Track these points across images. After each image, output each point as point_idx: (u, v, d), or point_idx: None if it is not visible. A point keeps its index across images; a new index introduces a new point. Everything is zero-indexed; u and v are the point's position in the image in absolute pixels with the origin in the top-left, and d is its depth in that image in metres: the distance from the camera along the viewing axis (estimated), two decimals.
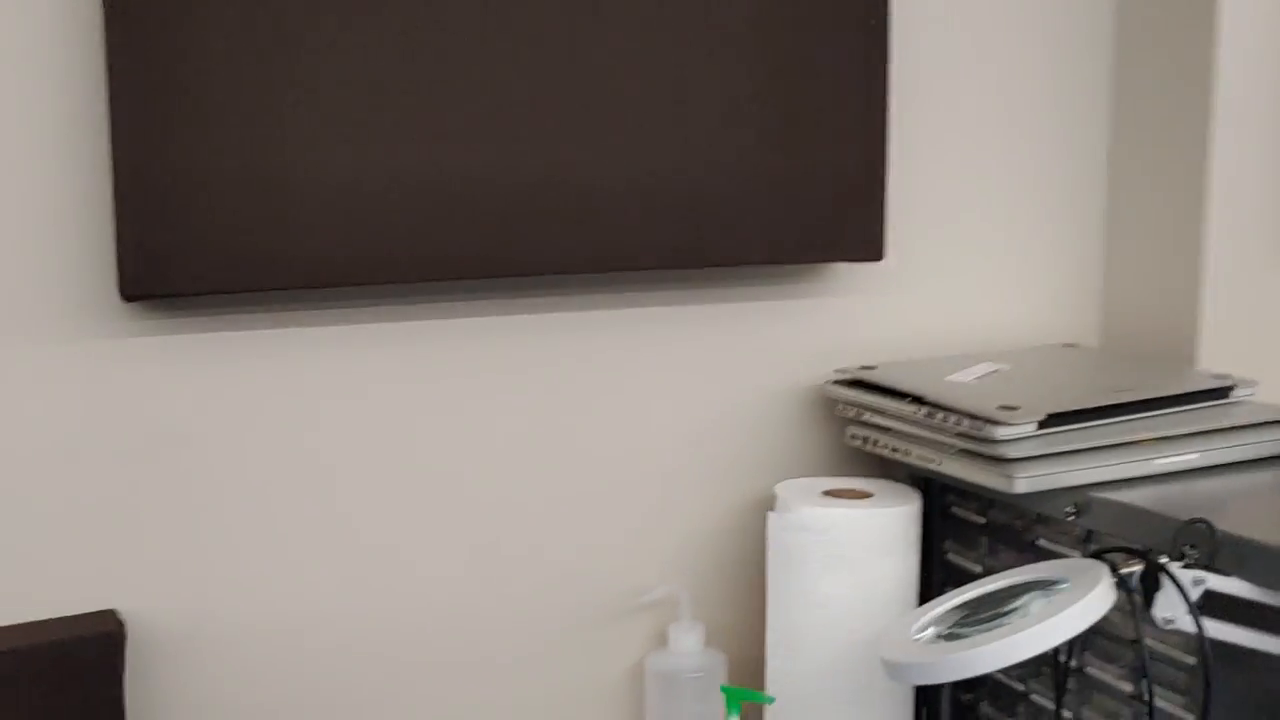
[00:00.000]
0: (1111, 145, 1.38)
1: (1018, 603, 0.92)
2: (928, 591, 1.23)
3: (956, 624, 0.95)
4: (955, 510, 1.23)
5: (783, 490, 1.16)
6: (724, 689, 1.05)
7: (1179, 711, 0.97)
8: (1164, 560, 0.88)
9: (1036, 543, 1.13)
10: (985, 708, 1.20)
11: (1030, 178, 1.35)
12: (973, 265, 1.33)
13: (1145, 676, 0.91)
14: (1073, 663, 1.10)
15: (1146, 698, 0.93)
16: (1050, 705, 1.10)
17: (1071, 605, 0.86)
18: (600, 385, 1.18)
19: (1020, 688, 1.16)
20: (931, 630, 0.95)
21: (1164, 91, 1.31)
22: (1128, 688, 1.04)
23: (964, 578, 1.22)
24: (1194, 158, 1.28)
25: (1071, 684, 1.09)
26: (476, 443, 1.14)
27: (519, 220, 1.07)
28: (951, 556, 1.24)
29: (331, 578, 1.11)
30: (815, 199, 1.15)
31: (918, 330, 1.30)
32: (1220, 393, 1.14)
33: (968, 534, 1.22)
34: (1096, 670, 1.06)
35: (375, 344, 1.09)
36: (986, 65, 1.31)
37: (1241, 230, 1.30)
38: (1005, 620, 0.90)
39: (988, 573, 1.20)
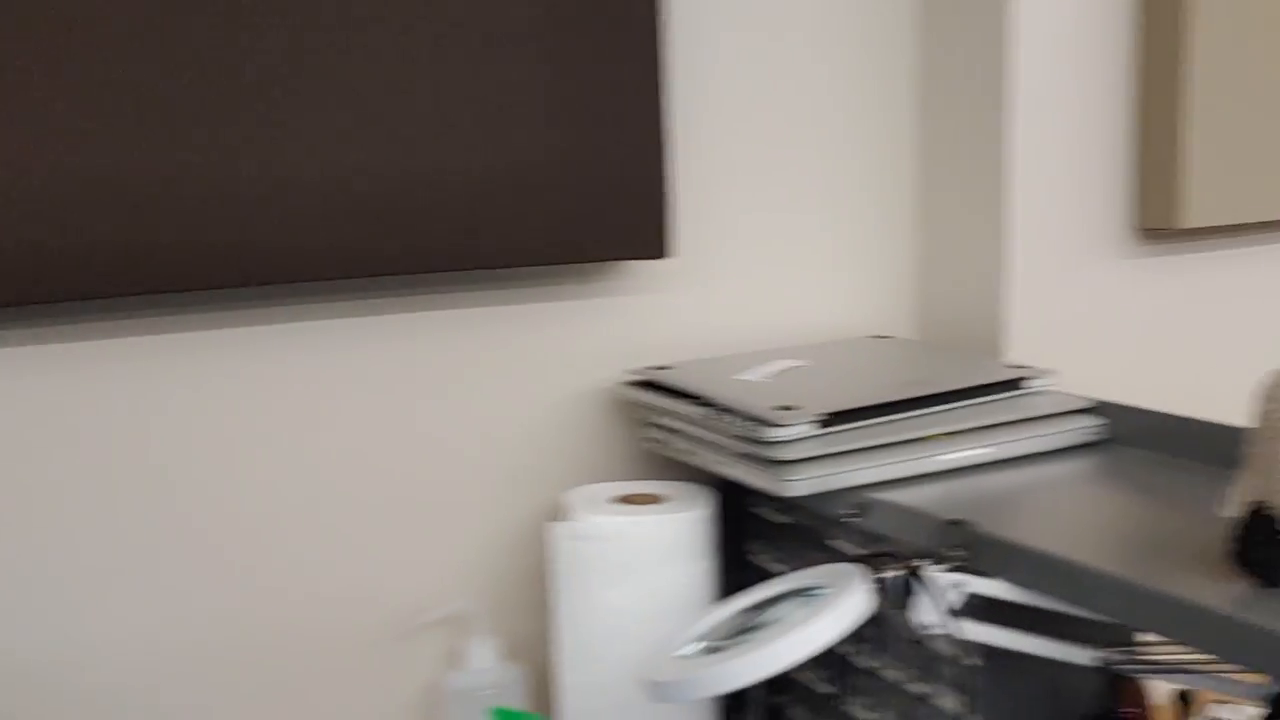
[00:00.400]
0: (919, 136, 1.36)
1: (779, 610, 0.88)
2: (732, 596, 1.19)
3: (729, 635, 0.91)
4: (757, 511, 1.20)
5: (572, 498, 1.12)
6: (493, 711, 1.00)
7: (966, 712, 0.95)
8: (921, 563, 0.85)
9: (831, 544, 1.10)
10: (796, 710, 1.17)
11: (837, 169, 1.32)
12: (779, 259, 1.29)
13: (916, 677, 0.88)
14: (871, 664, 1.07)
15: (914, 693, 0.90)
16: (857, 710, 1.07)
17: (822, 614, 0.82)
18: (383, 393, 1.12)
19: (828, 690, 1.12)
20: (701, 644, 0.91)
21: (966, 81, 1.29)
22: (919, 689, 1.01)
23: (766, 578, 1.19)
24: (996, 146, 1.26)
25: (871, 685, 1.06)
26: (246, 459, 1.08)
27: (288, 223, 1.00)
28: (755, 558, 1.21)
29: (88, 605, 1.04)
30: (596, 197, 1.10)
31: (722, 327, 1.26)
32: (1016, 384, 1.12)
33: (770, 535, 1.19)
34: (892, 672, 1.04)
35: (130, 358, 1.02)
36: (784, 56, 1.27)
37: (1045, 220, 1.28)
38: (766, 630, 0.86)
39: (788, 572, 1.16)
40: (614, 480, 1.22)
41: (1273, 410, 0.74)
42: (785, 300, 1.30)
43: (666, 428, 1.14)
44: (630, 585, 1.06)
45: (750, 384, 1.09)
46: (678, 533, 1.06)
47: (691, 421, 1.09)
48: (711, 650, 0.87)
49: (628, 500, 1.11)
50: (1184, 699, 0.98)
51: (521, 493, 1.19)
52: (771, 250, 1.29)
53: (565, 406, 1.19)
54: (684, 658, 0.88)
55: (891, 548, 1.01)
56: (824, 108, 1.30)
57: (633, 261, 1.19)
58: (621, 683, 1.07)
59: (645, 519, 1.06)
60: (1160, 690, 1.07)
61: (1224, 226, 1.41)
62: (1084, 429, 1.09)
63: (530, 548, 1.20)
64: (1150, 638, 0.89)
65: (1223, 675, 0.85)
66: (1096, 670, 0.88)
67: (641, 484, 1.16)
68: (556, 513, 1.20)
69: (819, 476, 0.97)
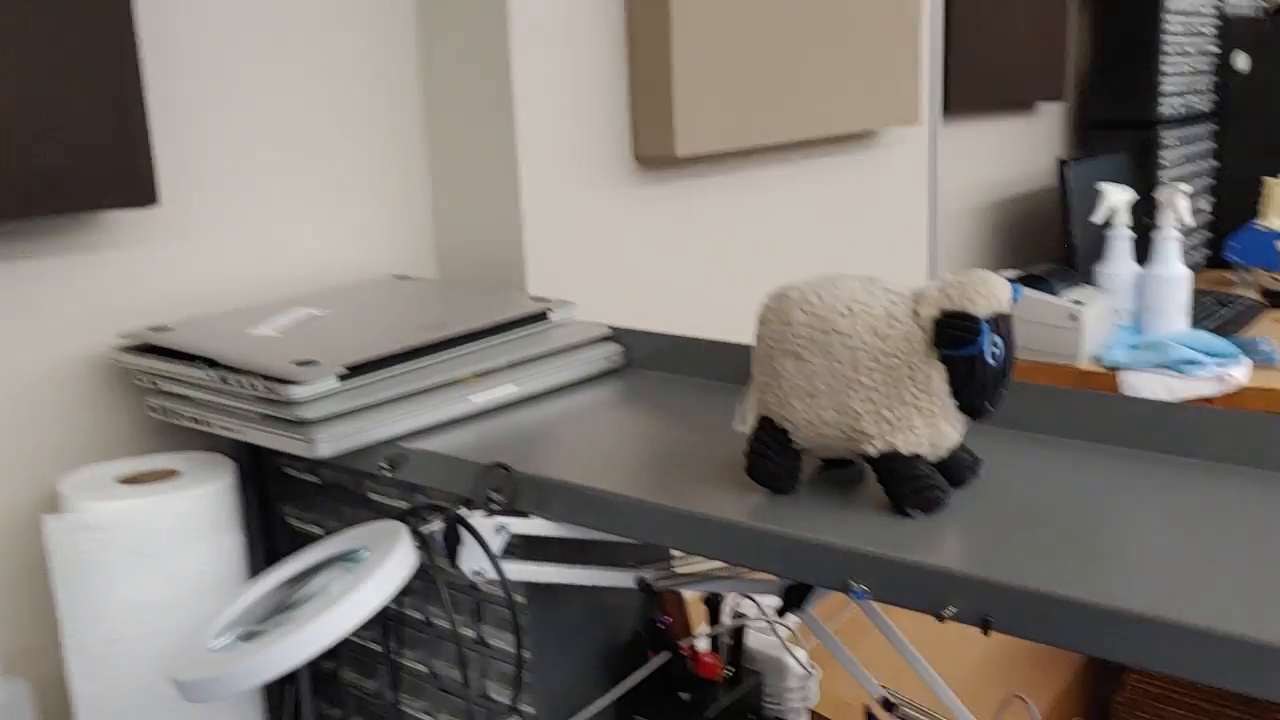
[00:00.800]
0: (424, 71, 1.31)
1: (320, 581, 0.83)
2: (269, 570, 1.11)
3: (267, 615, 0.84)
4: (289, 471, 1.12)
5: (66, 485, 0.98)
6: None
7: (517, 648, 0.95)
8: (463, 511, 0.83)
9: (374, 498, 1.05)
10: (347, 673, 1.12)
11: (339, 108, 1.25)
12: (283, 202, 1.21)
13: (455, 636, 0.86)
14: (417, 614, 1.04)
15: (392, 653, 0.88)
16: (415, 664, 1.04)
17: (365, 582, 0.78)
18: None
19: (378, 648, 1.08)
20: (236, 630, 0.83)
21: (466, 17, 1.26)
22: (471, 634, 1.00)
23: (308, 542, 1.12)
24: (499, 81, 1.25)
25: (423, 636, 1.03)
26: None
27: None
28: (292, 521, 1.14)
29: None
30: (69, 147, 0.96)
31: (226, 279, 1.16)
32: (541, 317, 1.13)
33: (305, 495, 1.12)
34: (442, 620, 1.02)
35: None
36: (288, 15, 1.17)
37: (551, 153, 1.30)
38: (306, 606, 0.80)
39: (329, 534, 1.11)
40: (117, 459, 1.08)
41: (768, 332, 0.79)
42: (295, 244, 1.22)
43: (174, 394, 1.03)
44: (147, 576, 0.95)
45: (264, 339, 1.01)
46: (196, 509, 0.96)
47: (201, 386, 0.99)
48: (248, 637, 0.80)
49: (136, 480, 0.99)
50: (712, 600, 1.05)
51: (5, 483, 1.02)
52: (273, 193, 1.20)
53: (50, 379, 1.04)
54: (218, 650, 0.80)
55: (432, 498, 0.99)
56: (320, 44, 1.22)
57: (115, 212, 1.06)
58: (148, 687, 0.96)
59: (156, 499, 0.95)
60: (693, 595, 1.14)
61: (716, 154, 1.51)
62: (605, 357, 1.12)
63: (23, 545, 1.04)
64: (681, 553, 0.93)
65: (745, 578, 0.91)
66: (638, 588, 0.92)
67: (151, 459, 1.04)
68: (51, 503, 1.05)
69: (347, 434, 0.92)
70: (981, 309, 0.73)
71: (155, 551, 0.95)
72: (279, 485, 1.14)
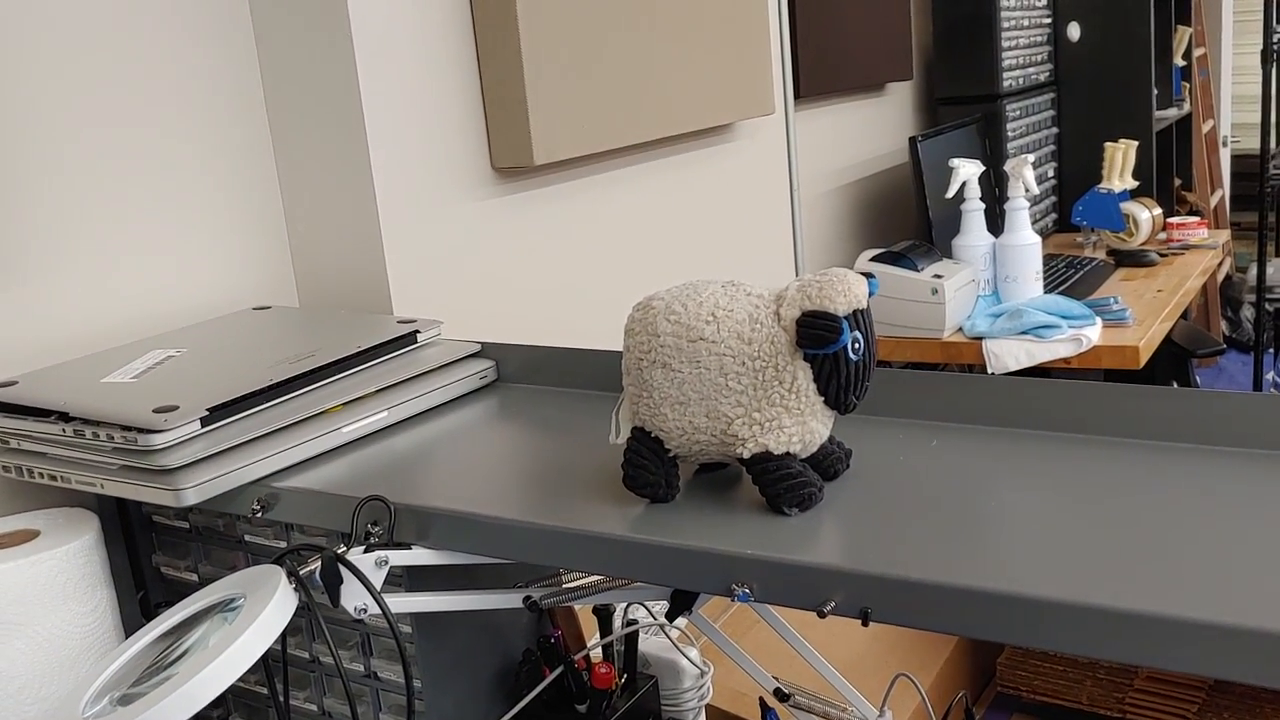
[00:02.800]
0: (271, 97, 1.28)
1: (198, 634, 0.81)
2: (148, 621, 1.08)
3: (144, 676, 0.81)
4: (158, 519, 1.09)
5: None
6: None
7: (406, 678, 0.93)
8: (341, 550, 0.81)
9: (246, 540, 1.02)
10: (235, 719, 1.09)
11: (184, 141, 1.20)
12: (130, 240, 1.16)
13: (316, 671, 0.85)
14: (304, 654, 1.02)
15: (280, 695, 0.87)
16: (305, 704, 1.02)
17: (243, 632, 0.76)
18: None
19: (264, 691, 1.06)
20: (111, 694, 0.80)
21: (308, 41, 1.23)
22: (359, 668, 0.99)
23: (185, 590, 1.09)
24: (347, 100, 1.23)
25: (312, 675, 1.01)
26: None
27: None
28: (166, 570, 1.10)
29: None
30: None
31: (72, 325, 1.11)
32: (406, 339, 1.11)
33: (177, 542, 1.09)
34: (328, 656, 1.00)
35: None
36: (122, 33, 1.13)
37: (407, 171, 1.28)
38: (184, 662, 0.78)
39: (204, 582, 1.07)
40: None
41: (636, 344, 0.80)
42: (145, 283, 1.18)
43: (27, 452, 0.98)
44: (11, 644, 0.91)
45: (119, 386, 0.97)
46: (59, 571, 0.93)
47: (54, 441, 0.95)
48: (125, 700, 0.77)
49: None
50: (603, 609, 1.05)
51: None
52: (115, 231, 1.15)
53: None
54: (92, 718, 0.77)
55: (310, 536, 0.97)
56: (156, 71, 1.18)
57: None
58: None
59: (15, 564, 0.91)
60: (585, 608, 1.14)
61: (576, 159, 1.50)
62: (477, 374, 1.11)
63: None
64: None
65: (632, 586, 0.91)
66: (526, 607, 0.91)
67: (8, 520, 1.00)
68: None
69: (213, 478, 0.89)
70: (841, 306, 0.75)
71: (19, 619, 0.91)
72: (149, 534, 1.10)
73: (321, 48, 1.23)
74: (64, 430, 0.93)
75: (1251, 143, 4.80)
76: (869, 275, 0.78)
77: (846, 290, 0.75)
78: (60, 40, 1.10)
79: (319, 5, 1.21)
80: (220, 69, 1.24)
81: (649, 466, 0.80)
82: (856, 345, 0.75)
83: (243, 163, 1.27)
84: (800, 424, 0.76)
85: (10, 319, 1.06)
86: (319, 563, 0.81)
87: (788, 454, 0.77)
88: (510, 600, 0.90)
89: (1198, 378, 3.11)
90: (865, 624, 0.67)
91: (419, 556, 0.84)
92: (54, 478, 0.96)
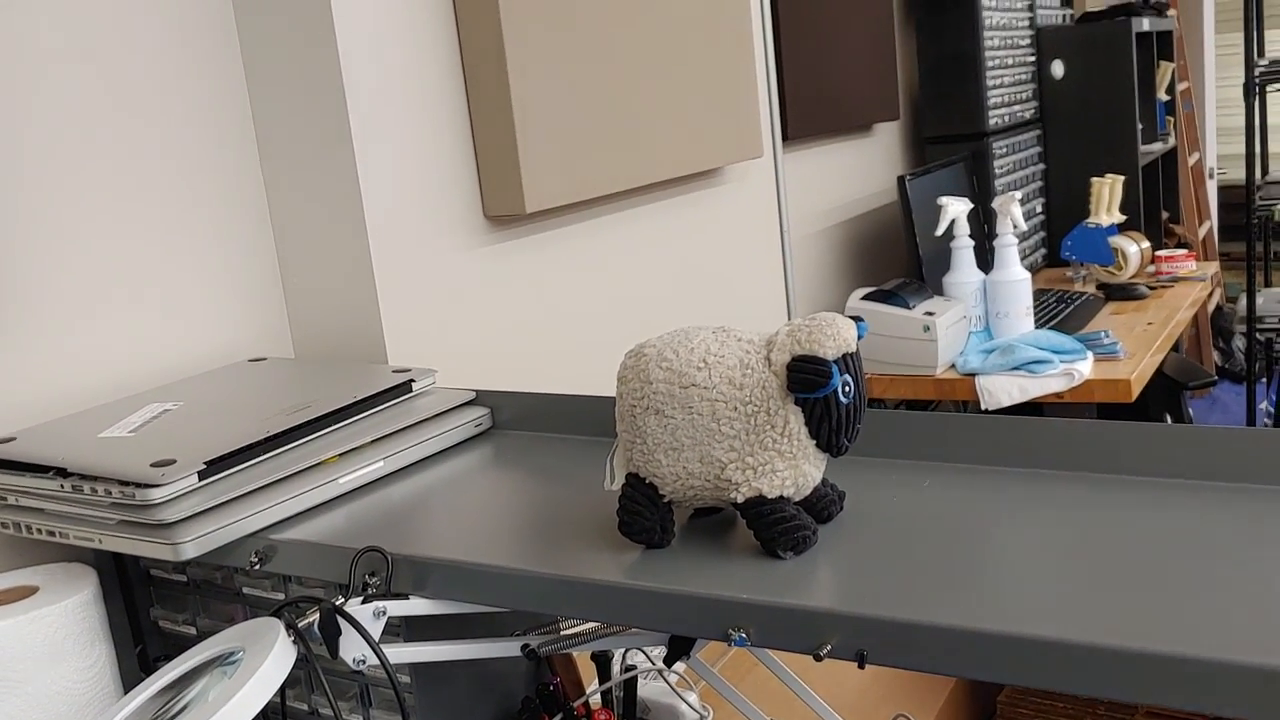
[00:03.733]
0: (262, 145, 1.30)
1: (197, 689, 0.81)
2: (146, 676, 1.07)
3: None
4: (157, 573, 1.09)
5: None
6: None
7: None
8: (339, 601, 0.82)
9: (244, 592, 1.03)
10: None
11: (179, 193, 1.22)
12: (126, 295, 1.17)
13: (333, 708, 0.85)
14: (303, 706, 1.02)
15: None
16: None
17: (244, 685, 0.76)
18: None
19: None
20: None
21: (299, 92, 1.25)
22: (359, 719, 0.99)
23: (184, 644, 1.09)
24: (341, 153, 1.24)
25: None
26: None
27: None
28: (165, 624, 1.10)
29: None
30: None
31: (73, 379, 1.12)
32: (401, 388, 1.12)
33: (176, 596, 1.09)
34: (327, 708, 1.00)
35: None
36: (115, 88, 1.14)
37: (401, 221, 1.29)
38: (182, 716, 0.78)
39: (202, 635, 1.08)
40: None
41: (628, 391, 0.80)
42: (142, 338, 1.18)
43: (25, 508, 0.99)
44: (10, 703, 0.91)
45: (116, 440, 0.98)
46: (58, 627, 0.93)
47: (52, 496, 0.95)
48: None
49: None
50: (601, 655, 1.05)
51: None
52: (112, 286, 1.16)
53: None
54: None
55: (308, 588, 0.97)
56: (156, 135, 1.19)
57: None
58: None
59: (13, 621, 0.91)
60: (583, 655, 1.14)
61: (563, 206, 1.52)
62: (472, 422, 1.12)
63: None
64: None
65: (630, 633, 0.91)
66: (524, 655, 0.91)
67: (7, 577, 1.00)
68: None
69: (211, 531, 0.89)
70: (830, 350, 0.76)
71: (17, 676, 0.91)
72: (147, 588, 1.10)
73: (314, 101, 1.24)
74: (62, 486, 0.93)
75: (1238, 174, 4.85)
76: (857, 318, 0.79)
77: (836, 334, 0.76)
78: (55, 99, 1.11)
79: (312, 59, 1.23)
80: (214, 123, 1.25)
81: (644, 512, 0.80)
82: (847, 388, 0.76)
83: (237, 216, 1.28)
84: (793, 467, 0.77)
85: (7, 375, 1.07)
86: (317, 615, 0.81)
87: (781, 497, 0.77)
88: (508, 649, 0.90)
89: (1191, 410, 3.12)
90: (861, 666, 0.67)
91: (417, 606, 0.84)
92: (52, 533, 0.96)
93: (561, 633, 0.93)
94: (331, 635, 0.81)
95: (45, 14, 1.10)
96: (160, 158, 1.20)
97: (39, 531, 0.97)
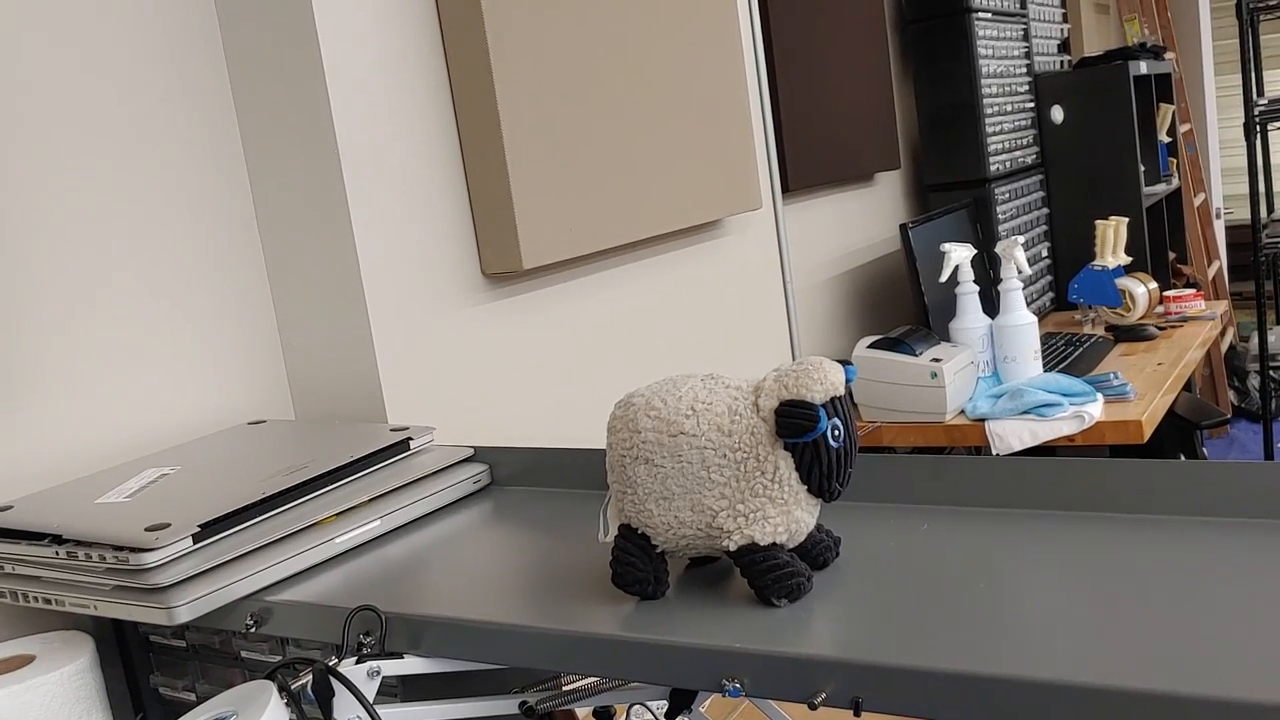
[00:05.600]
0: (259, 207, 1.31)
1: None
2: None
3: None
4: (155, 638, 1.08)
5: None
6: None
7: None
8: (333, 661, 0.81)
9: (242, 656, 1.02)
10: None
11: (174, 262, 1.23)
12: (125, 361, 1.18)
13: None
14: None
15: None
16: None
17: None
18: None
19: None
20: None
21: (293, 157, 1.26)
22: None
23: (183, 710, 1.08)
24: (336, 215, 1.25)
25: None
26: None
27: None
28: (164, 690, 1.09)
29: None
30: None
31: (72, 446, 1.12)
32: (399, 446, 1.12)
33: (174, 661, 1.08)
34: None
35: None
36: (108, 155, 1.16)
37: (398, 281, 1.30)
38: None
39: (202, 700, 1.07)
40: None
41: (618, 441, 0.80)
42: (141, 404, 1.19)
43: (21, 576, 0.99)
44: None
45: (112, 506, 0.98)
46: (52, 696, 0.92)
47: (48, 564, 0.95)
48: None
49: None
50: (603, 711, 1.04)
51: None
52: (111, 353, 1.17)
53: None
54: None
55: (304, 649, 0.96)
56: (154, 203, 1.21)
57: None
58: None
59: (8, 690, 0.90)
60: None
61: (561, 262, 1.53)
62: (470, 479, 1.11)
63: None
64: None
65: (629, 687, 0.90)
66: (522, 713, 0.90)
67: (4, 646, 1.00)
68: None
69: (206, 595, 0.89)
70: (818, 394, 0.75)
71: None
72: (147, 655, 1.10)
73: (309, 164, 1.26)
74: (57, 553, 0.93)
75: (1245, 213, 4.85)
76: (846, 362, 0.79)
77: (823, 378, 0.76)
78: (55, 167, 1.13)
79: (306, 121, 1.25)
80: (211, 189, 1.27)
81: (637, 564, 0.80)
82: (836, 432, 0.76)
83: (236, 280, 1.29)
84: (785, 514, 0.76)
85: (6, 443, 1.07)
86: (310, 676, 0.81)
87: (774, 544, 0.76)
88: (507, 707, 0.89)
89: (1206, 450, 3.09)
90: (857, 715, 0.66)
91: (412, 665, 0.83)
92: (49, 601, 0.96)
93: (561, 689, 0.92)
94: (325, 697, 0.80)
95: (43, 80, 1.12)
96: (158, 224, 1.22)
97: (36, 600, 0.97)
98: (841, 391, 0.77)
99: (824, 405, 0.75)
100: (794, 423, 0.75)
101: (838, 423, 0.76)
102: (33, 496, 1.04)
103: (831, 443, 0.76)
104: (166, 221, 1.22)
